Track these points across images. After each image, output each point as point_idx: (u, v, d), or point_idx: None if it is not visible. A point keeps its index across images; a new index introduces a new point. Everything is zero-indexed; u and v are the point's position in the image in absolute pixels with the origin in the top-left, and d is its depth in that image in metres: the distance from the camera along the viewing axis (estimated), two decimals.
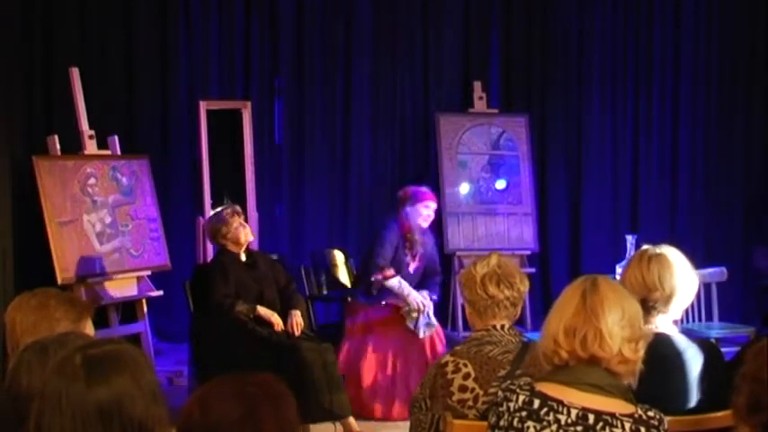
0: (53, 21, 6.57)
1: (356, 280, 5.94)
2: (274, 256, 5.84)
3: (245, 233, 5.31)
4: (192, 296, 5.31)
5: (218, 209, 5.58)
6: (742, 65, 7.88)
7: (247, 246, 5.40)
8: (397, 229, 5.55)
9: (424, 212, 5.55)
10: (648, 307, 2.76)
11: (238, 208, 5.48)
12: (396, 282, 5.46)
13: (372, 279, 5.50)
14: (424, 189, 5.67)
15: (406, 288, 5.46)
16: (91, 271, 5.69)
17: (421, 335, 5.40)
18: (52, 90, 6.51)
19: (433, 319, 5.51)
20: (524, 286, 2.78)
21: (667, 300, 2.79)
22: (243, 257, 5.32)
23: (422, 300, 5.44)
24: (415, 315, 5.42)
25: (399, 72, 7.59)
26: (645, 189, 7.84)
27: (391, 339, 5.46)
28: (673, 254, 2.85)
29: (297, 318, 5.17)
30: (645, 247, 2.90)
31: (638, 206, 7.84)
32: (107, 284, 5.77)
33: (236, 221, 5.29)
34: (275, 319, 5.08)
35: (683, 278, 2.81)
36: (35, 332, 2.38)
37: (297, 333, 5.11)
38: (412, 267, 5.63)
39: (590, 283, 2.25)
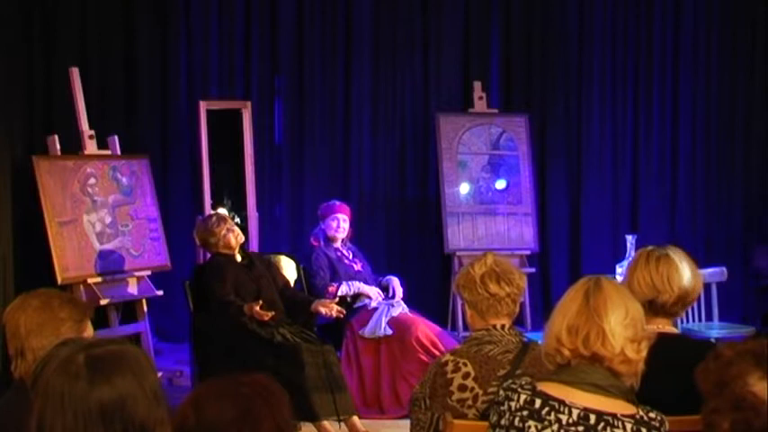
0: (53, 21, 6.56)
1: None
2: (281, 257, 5.85)
3: (235, 236, 5.30)
4: (192, 296, 5.30)
5: (204, 217, 5.57)
6: (742, 64, 7.87)
7: (242, 246, 5.39)
8: (323, 245, 5.82)
9: (333, 225, 5.84)
10: (655, 308, 2.76)
11: (223, 213, 5.46)
12: (344, 287, 5.66)
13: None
14: (333, 203, 5.96)
15: (355, 284, 5.69)
16: (91, 271, 5.69)
17: (396, 314, 5.51)
18: (52, 90, 6.50)
19: (401, 305, 5.64)
20: (522, 282, 2.79)
21: (675, 301, 2.79)
22: (238, 258, 5.32)
23: (376, 290, 5.73)
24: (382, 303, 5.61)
25: (399, 72, 7.58)
26: (645, 189, 7.83)
27: (384, 339, 5.47)
28: (679, 254, 2.85)
29: (323, 301, 5.23)
30: (649, 247, 2.89)
31: (638, 206, 7.83)
32: (107, 284, 5.76)
33: (223, 228, 5.26)
34: (257, 310, 4.90)
35: (690, 279, 2.81)
36: (41, 333, 2.38)
37: (338, 313, 5.16)
38: (357, 267, 5.83)
39: (593, 283, 2.26)
